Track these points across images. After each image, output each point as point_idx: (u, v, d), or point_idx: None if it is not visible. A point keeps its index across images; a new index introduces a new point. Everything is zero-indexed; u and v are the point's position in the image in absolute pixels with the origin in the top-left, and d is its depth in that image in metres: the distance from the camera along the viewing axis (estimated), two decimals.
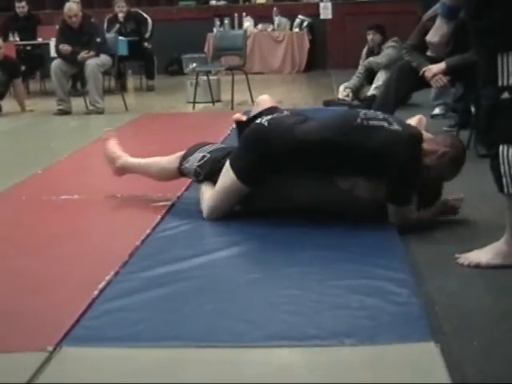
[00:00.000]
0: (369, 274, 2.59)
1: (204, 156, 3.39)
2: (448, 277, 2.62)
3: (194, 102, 7.71)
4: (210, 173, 3.34)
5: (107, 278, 2.60)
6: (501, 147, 2.47)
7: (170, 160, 3.53)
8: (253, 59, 11.29)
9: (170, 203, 3.56)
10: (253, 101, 7.63)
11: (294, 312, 2.28)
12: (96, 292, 2.47)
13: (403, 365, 1.96)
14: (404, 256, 2.80)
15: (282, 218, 3.21)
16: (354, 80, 7.33)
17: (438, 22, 2.72)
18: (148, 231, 3.15)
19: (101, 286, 2.52)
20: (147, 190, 3.81)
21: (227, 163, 3.23)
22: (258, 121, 3.26)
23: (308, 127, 3.15)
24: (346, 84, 7.35)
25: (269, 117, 3.25)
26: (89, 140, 5.63)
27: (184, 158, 3.44)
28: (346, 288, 2.46)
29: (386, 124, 3.05)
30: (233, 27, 11.57)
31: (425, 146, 3.06)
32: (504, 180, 2.50)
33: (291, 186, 3.19)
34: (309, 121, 3.23)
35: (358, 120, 3.08)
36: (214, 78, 8.35)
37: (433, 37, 2.74)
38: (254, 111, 3.48)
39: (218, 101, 8.13)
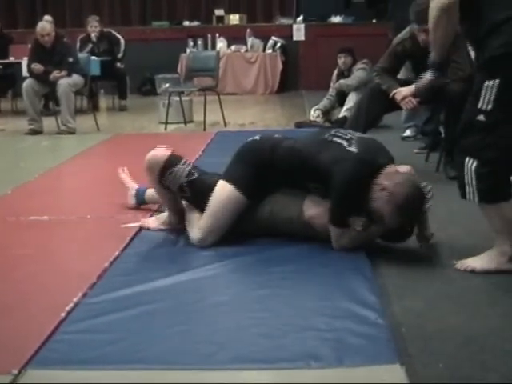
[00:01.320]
0: (336, 295, 2.61)
1: (192, 173, 3.28)
2: (415, 298, 2.65)
3: (167, 123, 7.71)
4: (197, 193, 3.26)
5: (75, 299, 2.59)
6: (466, 159, 2.76)
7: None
8: (226, 80, 11.35)
9: (139, 225, 3.55)
10: (225, 121, 7.69)
11: (261, 334, 2.29)
12: (63, 314, 2.46)
13: None
14: (371, 278, 2.82)
15: (252, 239, 3.23)
16: (324, 102, 7.39)
17: (431, 75, 3.40)
18: (117, 253, 3.15)
19: (68, 308, 2.51)
20: (117, 211, 3.81)
21: (221, 181, 3.23)
22: (250, 138, 3.38)
23: (290, 142, 3.27)
24: (316, 106, 7.41)
25: (262, 134, 3.44)
26: (60, 160, 5.63)
27: (166, 167, 3.26)
28: (313, 310, 2.47)
29: (345, 143, 3.09)
30: (206, 48, 11.63)
31: (380, 177, 3.00)
32: (467, 188, 2.80)
33: (275, 205, 3.24)
34: (293, 138, 3.35)
35: (326, 135, 3.20)
36: (187, 98, 8.37)
37: (405, 89, 3.58)
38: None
39: (191, 121, 8.14)
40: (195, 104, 8.30)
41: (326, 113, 7.36)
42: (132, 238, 3.38)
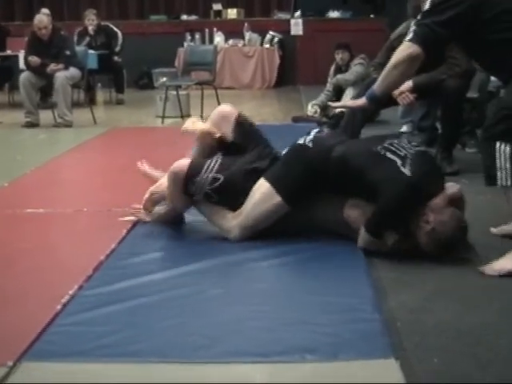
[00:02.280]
0: (332, 290, 2.62)
1: (216, 179, 3.22)
2: (410, 293, 2.65)
3: (163, 117, 7.70)
4: (227, 197, 3.23)
5: (71, 292, 2.59)
6: (498, 144, 2.83)
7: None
8: (223, 74, 11.33)
9: (136, 218, 3.55)
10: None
11: (257, 328, 2.29)
12: (59, 306, 2.46)
13: (364, 381, 1.98)
14: (367, 272, 2.82)
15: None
16: (322, 97, 7.38)
17: (364, 99, 3.27)
18: (113, 246, 3.15)
19: (64, 300, 2.51)
20: (113, 204, 3.81)
21: (264, 183, 3.19)
22: (301, 141, 3.26)
23: (342, 150, 3.17)
24: (314, 101, 7.39)
25: (312, 136, 3.27)
26: (56, 153, 5.62)
27: (187, 178, 3.23)
28: (308, 304, 2.48)
29: (399, 162, 3.01)
30: (203, 42, 11.61)
31: (428, 207, 2.96)
32: (499, 174, 2.85)
33: (314, 207, 3.22)
34: (345, 143, 3.26)
35: (379, 147, 3.10)
36: (184, 92, 8.35)
37: (350, 102, 3.57)
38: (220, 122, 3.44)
39: (187, 116, 8.12)
40: (192, 98, 8.29)
41: (324, 108, 7.34)
42: (128, 231, 3.38)
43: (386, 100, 3.75)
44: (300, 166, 3.20)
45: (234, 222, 3.23)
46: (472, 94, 5.12)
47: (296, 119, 7.35)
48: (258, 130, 3.52)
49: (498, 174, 2.86)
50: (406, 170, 2.97)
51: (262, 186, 3.21)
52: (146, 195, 3.50)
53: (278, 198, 3.16)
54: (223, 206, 3.27)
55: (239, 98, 10.00)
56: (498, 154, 2.84)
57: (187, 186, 3.22)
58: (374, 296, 2.55)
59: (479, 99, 5.24)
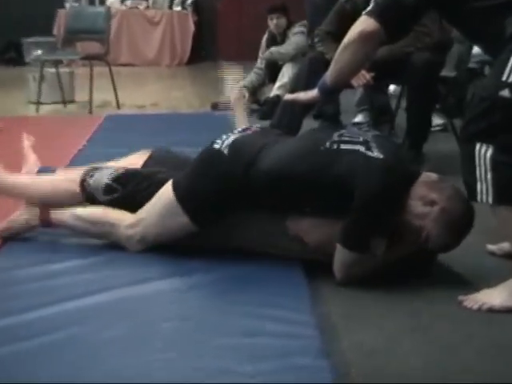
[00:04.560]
0: (263, 327, 2.64)
1: (119, 171, 3.49)
2: (368, 331, 2.69)
3: (39, 103, 7.63)
4: (132, 191, 3.41)
5: None
6: (477, 146, 2.81)
7: (65, 177, 3.59)
8: (120, 46, 11.30)
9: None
10: (118, 102, 7.65)
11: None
12: None
13: None
14: (311, 302, 2.86)
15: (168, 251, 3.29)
16: (251, 77, 7.44)
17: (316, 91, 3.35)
18: None
19: None
20: None
21: (171, 194, 3.27)
22: (216, 145, 3.27)
23: (270, 158, 3.18)
24: (241, 82, 7.42)
25: (230, 139, 3.28)
26: None
27: (86, 174, 3.51)
28: (231, 347, 2.50)
29: (361, 148, 3.07)
30: (92, 3, 11.55)
31: (422, 189, 3.07)
32: (478, 186, 2.83)
33: (238, 226, 3.28)
34: (277, 145, 3.27)
35: (327, 144, 3.13)
36: (66, 70, 8.30)
37: (303, 95, 3.50)
38: None
39: (71, 101, 8.08)
40: (78, 78, 8.26)
41: (254, 91, 7.39)
42: None
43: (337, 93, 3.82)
44: (211, 179, 3.24)
45: (130, 231, 3.32)
46: (448, 72, 5.21)
47: (217, 106, 7.38)
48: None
49: (478, 186, 2.84)
50: (376, 154, 3.03)
51: (166, 196, 3.29)
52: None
53: (183, 217, 3.24)
54: (126, 201, 3.39)
55: (141, 79, 9.99)
56: (477, 160, 2.82)
57: (85, 178, 3.46)
58: (319, 335, 2.56)
59: (457, 79, 5.34)
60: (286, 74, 7.06)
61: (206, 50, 11.88)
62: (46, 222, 3.48)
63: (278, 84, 7.20)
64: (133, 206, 3.36)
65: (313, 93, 3.40)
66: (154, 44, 11.71)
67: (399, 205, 3.04)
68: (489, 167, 2.79)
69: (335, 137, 3.17)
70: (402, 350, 2.56)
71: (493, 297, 2.89)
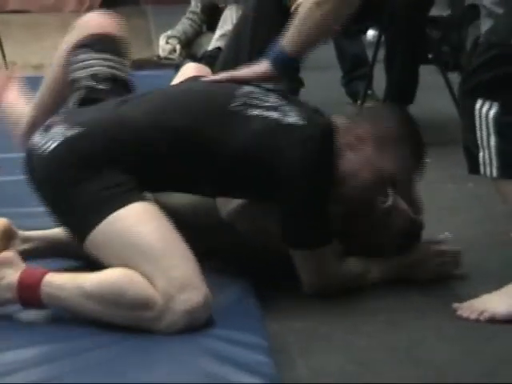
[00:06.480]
0: (217, 349, 2.66)
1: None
2: (330, 354, 2.70)
3: None
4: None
5: None
6: (478, 103, 2.87)
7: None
8: None
9: None
10: (6, 62, 7.59)
11: None
12: None
13: None
14: (262, 325, 2.85)
15: None
16: (183, 25, 7.52)
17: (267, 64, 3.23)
18: None
19: None
20: None
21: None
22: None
23: (144, 117, 3.12)
24: (169, 32, 7.53)
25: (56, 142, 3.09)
26: None
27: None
28: None
29: (275, 115, 3.08)
30: None
31: (343, 135, 3.14)
32: (480, 154, 2.89)
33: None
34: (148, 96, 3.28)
35: (235, 104, 3.11)
36: None
37: (245, 72, 3.29)
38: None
39: None
40: None
41: (187, 43, 7.41)
42: None
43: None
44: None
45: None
46: (440, 10, 5.22)
47: (140, 64, 7.33)
48: None
49: (480, 154, 2.89)
50: (294, 119, 3.06)
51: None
52: None
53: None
54: None
55: (37, 30, 9.97)
56: (477, 121, 2.88)
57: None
58: (271, 361, 2.56)
59: (453, 21, 5.36)
60: (229, 19, 7.04)
61: None
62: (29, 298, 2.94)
63: (218, 33, 7.18)
64: None
65: (261, 68, 3.24)
66: None
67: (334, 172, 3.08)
68: (492, 130, 2.84)
69: (242, 95, 3.15)
70: (370, 376, 2.58)
71: (494, 303, 2.90)
